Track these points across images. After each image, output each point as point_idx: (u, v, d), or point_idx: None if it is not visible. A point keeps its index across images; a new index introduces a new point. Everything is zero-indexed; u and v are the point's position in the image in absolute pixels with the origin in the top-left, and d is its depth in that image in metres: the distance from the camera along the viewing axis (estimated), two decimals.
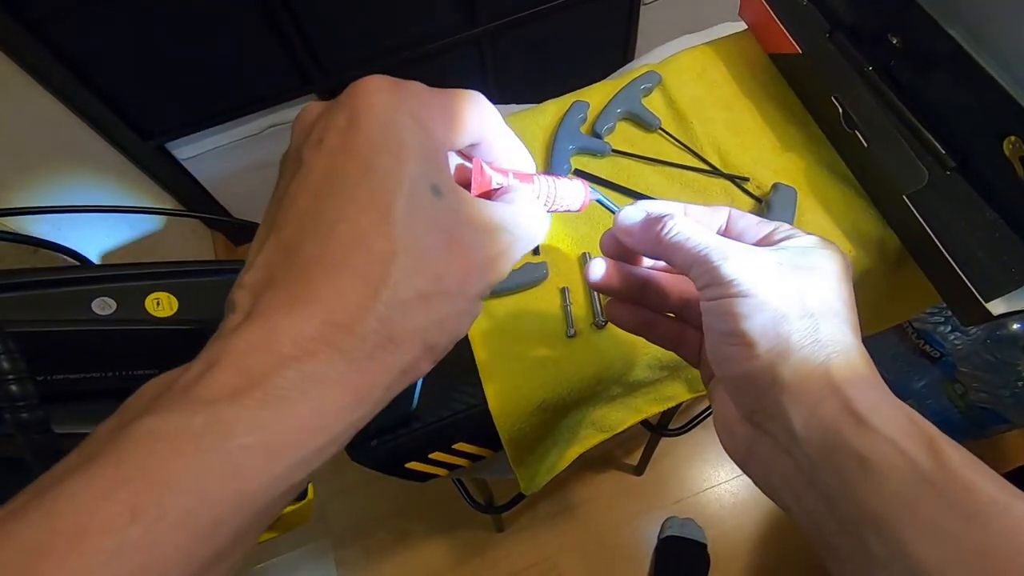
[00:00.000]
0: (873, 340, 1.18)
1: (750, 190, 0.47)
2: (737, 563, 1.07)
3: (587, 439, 0.51)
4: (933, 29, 0.44)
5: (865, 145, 0.44)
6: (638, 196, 0.47)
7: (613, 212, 0.29)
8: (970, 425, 1.02)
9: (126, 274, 0.33)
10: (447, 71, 1.20)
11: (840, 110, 0.45)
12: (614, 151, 0.49)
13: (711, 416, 0.28)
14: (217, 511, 0.14)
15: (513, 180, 0.23)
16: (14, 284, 0.29)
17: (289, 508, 0.41)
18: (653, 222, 0.26)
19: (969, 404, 1.00)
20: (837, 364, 0.22)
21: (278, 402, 0.15)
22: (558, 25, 1.20)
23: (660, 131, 0.50)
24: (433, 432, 0.41)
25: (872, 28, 0.48)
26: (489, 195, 0.22)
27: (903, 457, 0.19)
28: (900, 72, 0.47)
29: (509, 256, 0.21)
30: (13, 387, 0.21)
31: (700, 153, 0.49)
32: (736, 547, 1.08)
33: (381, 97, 0.18)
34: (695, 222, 0.26)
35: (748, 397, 0.23)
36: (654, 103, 0.51)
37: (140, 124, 1.03)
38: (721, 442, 0.26)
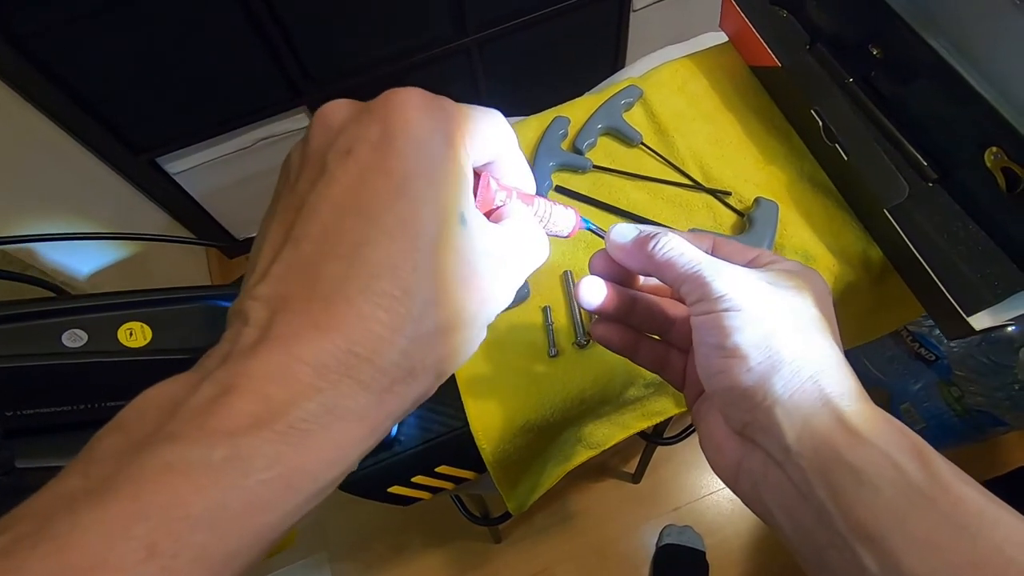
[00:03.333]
0: (870, 344, 1.17)
1: (732, 204, 0.47)
2: (736, 569, 1.07)
3: (575, 456, 0.50)
4: (914, 40, 0.44)
5: (845, 158, 0.43)
6: (620, 213, 0.47)
7: (601, 237, 0.29)
8: (967, 428, 1.02)
9: (98, 304, 0.33)
10: (438, 81, 1.19)
11: (820, 123, 0.45)
12: (595, 167, 0.49)
13: None
14: (234, 546, 0.14)
15: (516, 201, 0.22)
16: None
17: None
18: (645, 239, 0.26)
19: (965, 407, 1.00)
20: (827, 378, 0.22)
21: (299, 435, 0.15)
22: (549, 33, 1.20)
23: (642, 146, 0.50)
24: (415, 456, 0.41)
25: (853, 39, 0.48)
26: (490, 213, 0.22)
27: (895, 469, 0.20)
28: (881, 83, 0.47)
29: (517, 281, 0.21)
30: None
31: (682, 168, 0.48)
32: (735, 553, 1.08)
33: (418, 115, 0.17)
34: (684, 240, 0.26)
35: (740, 410, 0.23)
36: (635, 117, 0.51)
37: (130, 139, 1.03)
38: (709, 460, 0.26)
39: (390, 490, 0.42)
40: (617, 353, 0.31)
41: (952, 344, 1.00)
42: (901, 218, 0.41)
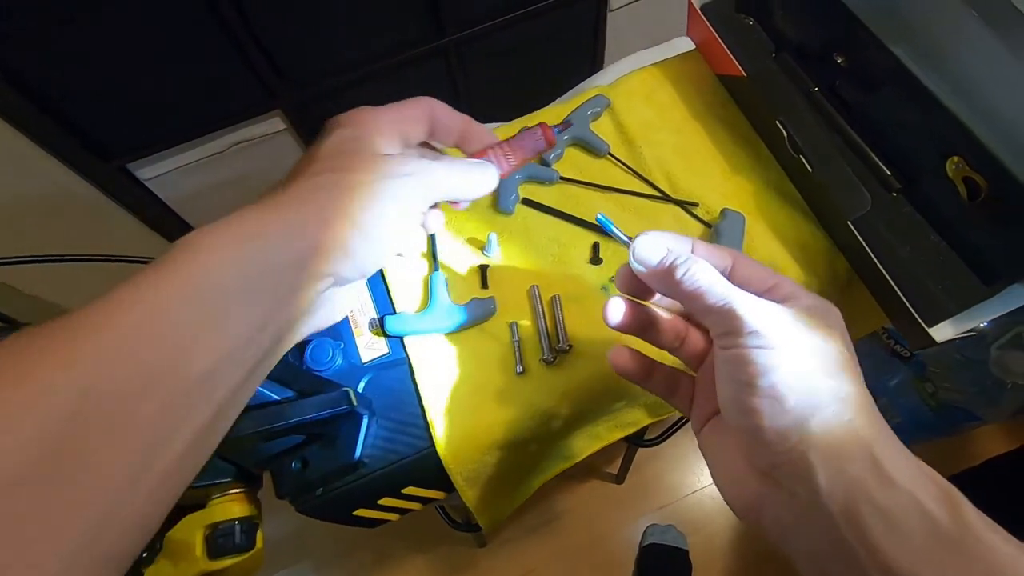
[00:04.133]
0: None
1: (700, 216, 0.47)
2: (718, 565, 1.08)
3: (548, 469, 0.50)
4: (877, 48, 0.43)
5: (810, 169, 0.43)
6: (587, 225, 0.47)
7: (624, 243, 0.29)
8: (941, 422, 1.03)
9: None
10: (415, 83, 1.18)
11: (785, 134, 0.45)
12: (562, 178, 0.48)
13: (687, 424, 0.28)
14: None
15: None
16: None
17: (235, 560, 0.40)
18: (672, 268, 0.26)
19: (940, 402, 1.01)
20: (863, 422, 0.22)
21: None
22: (526, 34, 1.19)
23: (609, 156, 0.49)
24: (381, 478, 0.40)
25: (817, 47, 0.48)
26: None
27: (925, 515, 0.20)
28: (846, 91, 0.47)
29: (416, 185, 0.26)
30: None
31: (649, 178, 0.48)
32: (717, 551, 1.09)
33: (345, 120, 0.28)
34: (711, 267, 0.26)
35: (769, 451, 0.23)
36: (603, 127, 0.51)
37: (99, 145, 1.01)
38: (723, 493, 0.26)
39: (356, 513, 0.41)
40: (629, 379, 0.31)
41: None
42: (864, 229, 0.41)
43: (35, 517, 0.15)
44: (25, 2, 0.77)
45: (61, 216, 1.04)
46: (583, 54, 1.31)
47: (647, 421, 0.54)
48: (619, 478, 1.13)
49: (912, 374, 1.05)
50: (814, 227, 0.46)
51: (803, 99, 0.46)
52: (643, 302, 0.31)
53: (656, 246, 0.27)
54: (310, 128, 1.16)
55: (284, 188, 0.24)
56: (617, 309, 0.30)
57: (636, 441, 0.88)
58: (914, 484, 0.20)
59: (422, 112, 0.29)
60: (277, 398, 0.38)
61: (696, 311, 0.26)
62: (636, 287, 0.30)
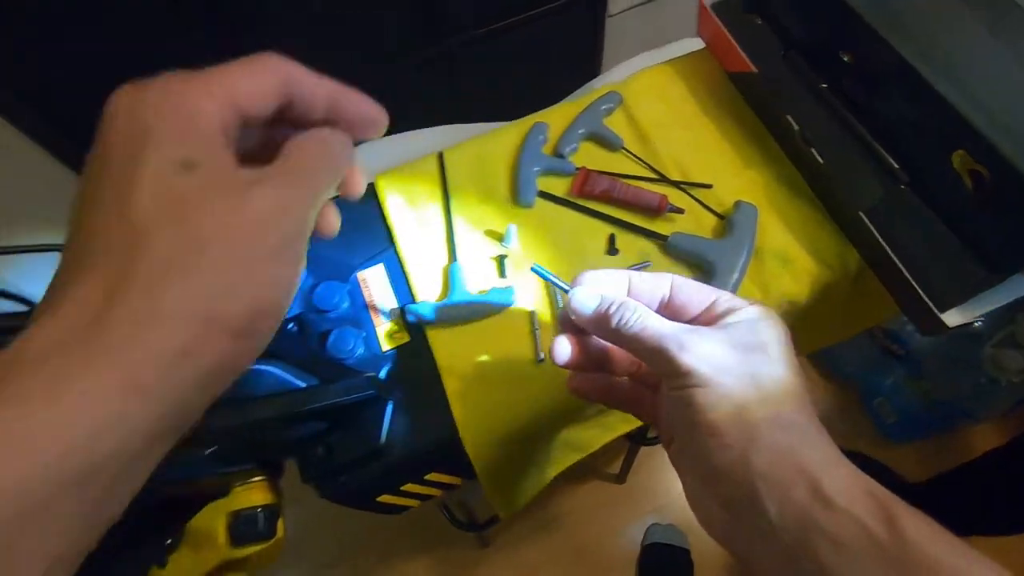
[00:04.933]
0: (846, 341, 1.20)
1: (713, 207, 0.48)
2: (719, 563, 1.08)
3: (562, 460, 0.50)
4: (881, 46, 0.45)
5: (821, 162, 0.45)
6: (603, 217, 0.48)
7: (561, 289, 0.30)
8: (936, 420, 1.05)
9: None
10: (412, 88, 1.19)
11: (796, 128, 0.46)
12: (579, 170, 0.49)
13: None
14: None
15: None
16: None
17: (256, 548, 0.41)
18: (606, 316, 0.26)
19: (934, 401, 1.03)
20: (802, 446, 0.23)
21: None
22: (525, 39, 1.21)
23: (624, 150, 0.50)
24: (404, 464, 0.40)
25: (824, 46, 0.49)
26: None
27: (868, 534, 0.20)
28: (853, 89, 0.48)
29: (295, 193, 0.19)
30: None
31: (663, 172, 0.49)
32: (719, 550, 1.07)
33: (119, 102, 0.18)
34: (646, 307, 0.26)
35: (724, 487, 0.24)
36: (616, 123, 0.52)
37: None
38: (699, 520, 0.26)
39: (379, 499, 0.41)
40: (594, 402, 0.32)
41: (920, 339, 1.04)
42: (876, 220, 0.42)
43: None
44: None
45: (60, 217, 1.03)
46: (581, 60, 1.33)
47: None
48: (620, 478, 1.13)
49: (907, 373, 1.06)
50: (824, 219, 0.47)
51: (812, 95, 0.47)
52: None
53: (590, 296, 0.27)
54: None
55: (94, 279, 0.16)
56: (564, 348, 0.29)
57: (639, 440, 0.88)
58: (854, 503, 0.21)
59: (272, 80, 0.20)
60: (302, 384, 0.38)
61: (639, 357, 0.27)
62: (578, 327, 0.29)
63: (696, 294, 0.28)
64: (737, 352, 0.24)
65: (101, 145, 0.18)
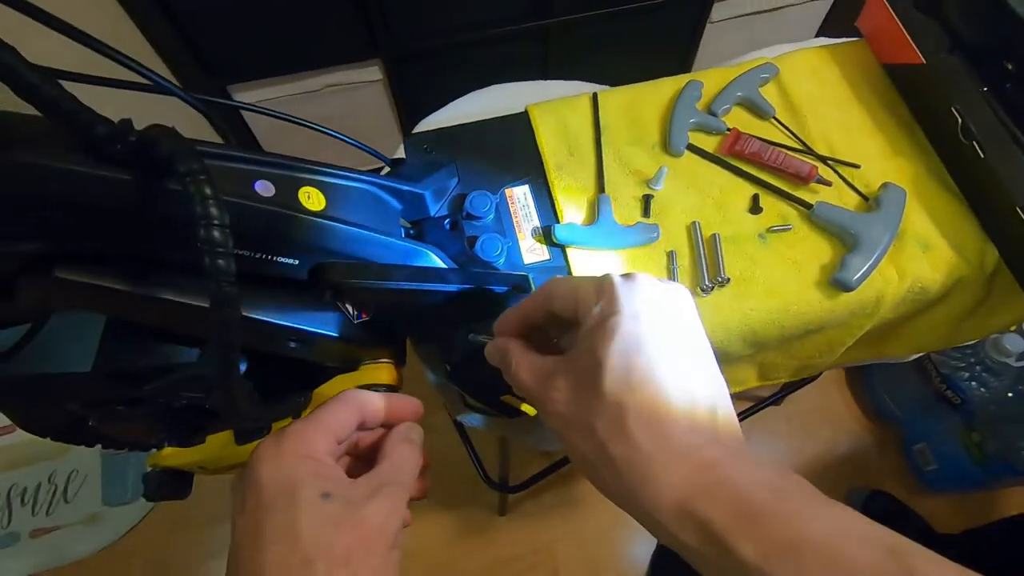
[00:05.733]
0: (897, 381, 1.18)
1: (857, 186, 0.48)
2: None
3: None
4: None
5: (982, 155, 0.45)
6: (748, 177, 0.48)
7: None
8: (983, 475, 1.03)
9: (282, 163, 0.33)
10: (505, 59, 1.21)
11: (959, 120, 0.46)
12: (730, 130, 0.50)
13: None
14: None
15: None
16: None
17: None
18: (506, 363, 0.30)
19: (985, 454, 1.02)
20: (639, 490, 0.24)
21: None
22: (623, 28, 1.22)
23: (774, 120, 0.51)
24: None
25: (990, 51, 0.50)
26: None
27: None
28: (1014, 97, 0.49)
29: (396, 501, 0.27)
30: (216, 233, 0.21)
31: (811, 145, 0.50)
32: None
33: (264, 466, 0.26)
34: (517, 360, 0.28)
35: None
36: (769, 93, 0.52)
37: (207, 60, 1.03)
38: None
39: (502, 398, 0.42)
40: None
41: (979, 390, 1.02)
42: None
43: None
44: None
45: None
46: (673, 58, 1.34)
47: (754, 383, 0.56)
48: None
49: (960, 422, 1.05)
50: (968, 214, 0.48)
51: (977, 92, 0.48)
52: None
53: (492, 353, 0.32)
54: (403, 83, 1.19)
55: None
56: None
57: None
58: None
59: (352, 412, 0.30)
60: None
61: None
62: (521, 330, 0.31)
63: (562, 299, 0.28)
64: (578, 390, 0.25)
65: (255, 495, 0.25)
